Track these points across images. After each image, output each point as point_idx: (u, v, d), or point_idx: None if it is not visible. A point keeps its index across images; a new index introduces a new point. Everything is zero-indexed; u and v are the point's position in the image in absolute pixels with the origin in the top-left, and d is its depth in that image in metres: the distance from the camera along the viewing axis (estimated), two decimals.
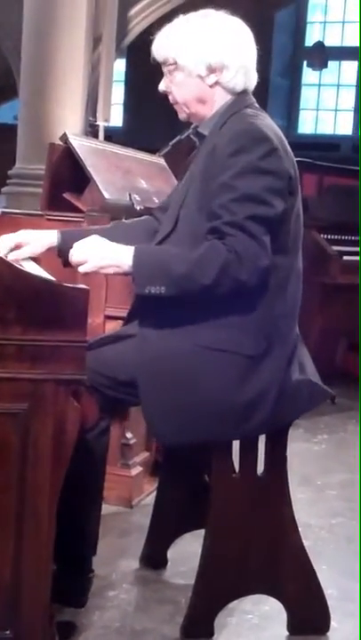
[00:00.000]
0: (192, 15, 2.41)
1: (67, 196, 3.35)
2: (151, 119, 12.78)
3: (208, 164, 2.31)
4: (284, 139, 2.36)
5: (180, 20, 2.41)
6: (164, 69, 2.42)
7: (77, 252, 2.29)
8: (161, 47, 2.40)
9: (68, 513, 2.11)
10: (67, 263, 2.38)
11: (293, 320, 2.40)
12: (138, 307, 2.43)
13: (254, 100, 2.43)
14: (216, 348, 2.26)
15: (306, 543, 2.51)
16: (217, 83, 2.38)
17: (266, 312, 2.29)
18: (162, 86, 2.45)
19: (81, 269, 2.28)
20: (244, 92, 2.41)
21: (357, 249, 6.12)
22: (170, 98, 2.45)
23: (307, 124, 17.04)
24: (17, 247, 2.49)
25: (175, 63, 2.37)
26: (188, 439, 2.33)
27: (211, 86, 2.38)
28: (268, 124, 2.33)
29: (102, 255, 2.26)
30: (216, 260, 2.18)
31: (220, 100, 2.40)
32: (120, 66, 14.21)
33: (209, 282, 2.18)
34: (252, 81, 2.42)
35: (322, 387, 2.45)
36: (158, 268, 2.23)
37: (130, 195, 3.35)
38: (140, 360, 2.31)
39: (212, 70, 2.37)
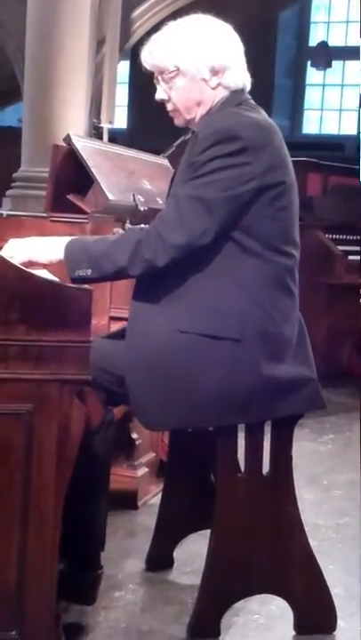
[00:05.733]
0: (183, 20, 2.41)
1: (71, 197, 3.34)
2: (155, 121, 12.69)
3: (187, 157, 2.34)
4: (274, 135, 2.34)
5: (172, 25, 2.40)
6: (160, 78, 2.41)
7: (7, 248, 2.32)
8: (157, 55, 2.38)
9: (75, 510, 2.11)
10: None
11: (280, 302, 2.35)
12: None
13: (249, 96, 2.43)
14: (197, 333, 2.26)
15: (312, 543, 2.51)
16: (219, 84, 2.38)
17: (242, 295, 2.28)
18: (160, 95, 2.43)
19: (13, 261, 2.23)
20: (241, 90, 2.42)
21: None
22: (168, 106, 2.44)
23: (311, 124, 16.98)
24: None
25: (177, 69, 2.36)
26: (173, 425, 2.38)
27: (213, 88, 2.38)
28: (258, 118, 2.33)
29: (29, 248, 2.32)
30: (130, 240, 2.26)
31: (217, 98, 2.39)
32: (124, 68, 14.20)
33: (124, 262, 2.24)
34: (247, 78, 2.43)
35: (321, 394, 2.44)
36: (85, 251, 2.29)
37: (134, 196, 3.35)
38: (126, 350, 2.33)
39: (215, 73, 2.37)
